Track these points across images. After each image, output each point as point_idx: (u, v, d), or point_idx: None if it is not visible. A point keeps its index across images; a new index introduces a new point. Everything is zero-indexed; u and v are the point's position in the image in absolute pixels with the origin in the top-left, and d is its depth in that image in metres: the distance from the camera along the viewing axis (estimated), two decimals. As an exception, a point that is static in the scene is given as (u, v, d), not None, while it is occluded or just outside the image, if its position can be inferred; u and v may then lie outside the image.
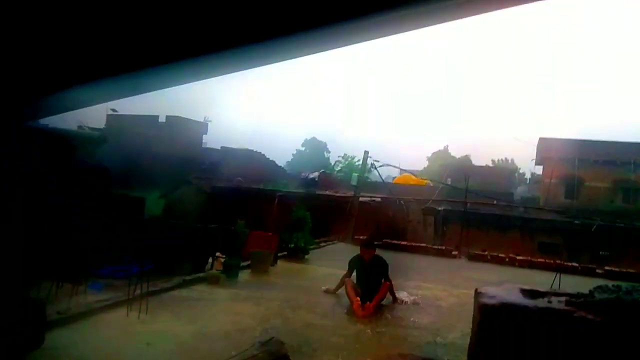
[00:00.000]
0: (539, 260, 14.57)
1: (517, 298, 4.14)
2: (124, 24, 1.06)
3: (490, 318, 4.04)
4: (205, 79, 1.30)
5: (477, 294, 4.37)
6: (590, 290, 4.13)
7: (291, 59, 1.16)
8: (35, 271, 5.59)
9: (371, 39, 1.07)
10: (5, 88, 1.16)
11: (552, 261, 13.84)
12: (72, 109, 1.39)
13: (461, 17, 1.00)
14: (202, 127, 34.83)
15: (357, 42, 1.07)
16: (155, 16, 1.04)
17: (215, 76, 1.28)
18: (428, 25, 1.02)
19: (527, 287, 4.50)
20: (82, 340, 5.13)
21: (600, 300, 3.85)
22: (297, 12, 0.99)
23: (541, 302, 4.01)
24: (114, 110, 28.62)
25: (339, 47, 1.10)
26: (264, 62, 1.16)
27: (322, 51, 1.12)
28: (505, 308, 3.98)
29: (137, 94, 1.34)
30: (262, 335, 5.10)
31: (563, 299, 4.01)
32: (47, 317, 4.83)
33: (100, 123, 27.80)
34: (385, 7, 0.92)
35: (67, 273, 7.11)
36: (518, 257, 14.81)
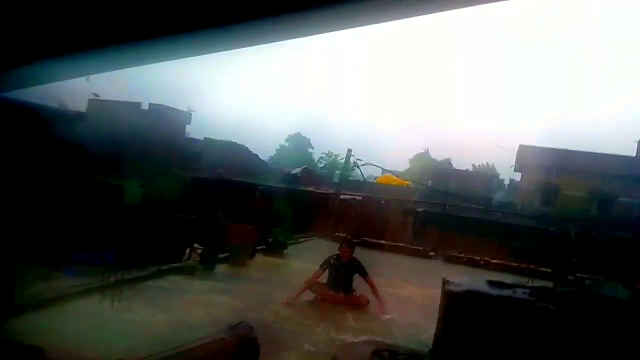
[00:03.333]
0: (513, 264, 14.82)
1: (482, 287, 4.27)
2: None
3: (455, 305, 4.16)
4: (187, 57, 1.28)
5: (445, 282, 4.48)
6: (554, 284, 4.32)
7: (279, 40, 1.16)
8: (6, 253, 5.46)
9: (360, 25, 1.07)
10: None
11: (525, 266, 14.10)
12: (47, 82, 1.36)
13: (450, 9, 1.01)
14: (186, 116, 34.35)
15: (347, 28, 1.07)
16: None
17: (197, 55, 1.27)
18: (418, 15, 1.03)
19: (495, 279, 4.65)
20: (54, 324, 5.04)
21: (561, 292, 4.03)
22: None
23: (506, 292, 4.14)
24: (96, 95, 28.00)
25: (330, 30, 1.10)
26: (251, 42, 1.15)
27: (313, 34, 1.12)
28: (470, 296, 4.11)
29: (117, 69, 1.32)
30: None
31: (527, 290, 4.17)
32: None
33: (82, 107, 27.26)
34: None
35: (41, 257, 6.96)
36: (493, 261, 15.06)
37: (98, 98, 28.31)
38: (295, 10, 0.97)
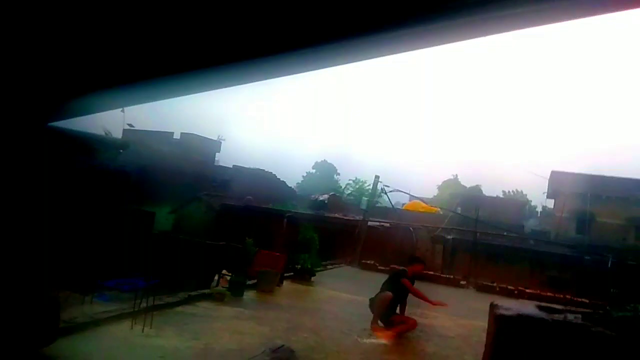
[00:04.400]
0: (548, 294, 14.33)
1: (533, 311, 4.12)
2: (145, 34, 1.12)
3: (506, 329, 4.00)
4: (217, 89, 1.35)
5: (493, 306, 4.33)
6: (607, 309, 4.13)
7: (301, 72, 1.22)
8: (44, 276, 5.62)
9: (383, 56, 1.11)
10: (29, 90, 1.22)
11: (561, 296, 13.61)
12: (92, 113, 1.45)
13: (474, 37, 1.04)
14: (216, 145, 35.25)
15: (367, 59, 1.12)
16: (174, 26, 1.10)
17: (230, 86, 1.34)
18: (441, 44, 1.06)
19: (543, 304, 4.48)
20: (86, 349, 5.14)
21: (617, 316, 3.85)
22: (310, 25, 1.04)
23: (557, 317, 3.98)
24: (130, 125, 29.07)
25: (352, 62, 1.14)
26: (275, 74, 1.21)
27: (334, 65, 1.16)
28: (522, 319, 3.96)
29: (155, 101, 1.41)
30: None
31: (579, 315, 4.00)
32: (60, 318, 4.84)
33: (118, 137, 28.24)
34: (395, 24, 0.96)
35: (75, 282, 7.14)
36: (527, 290, 14.60)
37: (132, 128, 29.35)
38: (324, 42, 1.02)
